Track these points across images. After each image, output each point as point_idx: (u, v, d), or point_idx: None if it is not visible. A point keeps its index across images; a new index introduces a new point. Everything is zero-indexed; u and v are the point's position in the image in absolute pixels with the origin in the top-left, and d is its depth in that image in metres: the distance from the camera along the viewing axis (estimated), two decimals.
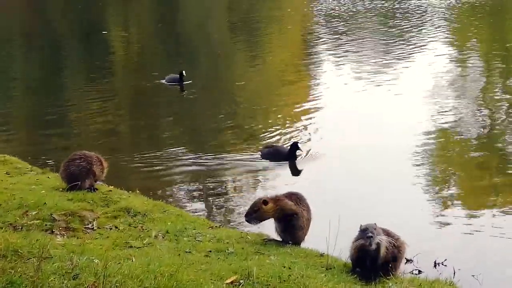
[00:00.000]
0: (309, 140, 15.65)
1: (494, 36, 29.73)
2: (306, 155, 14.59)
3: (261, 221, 8.41)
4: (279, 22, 37.94)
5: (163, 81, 22.40)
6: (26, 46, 32.07)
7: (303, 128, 16.61)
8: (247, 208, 9.86)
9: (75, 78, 24.78)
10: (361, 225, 7.21)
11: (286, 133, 16.25)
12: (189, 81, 22.11)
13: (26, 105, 21.18)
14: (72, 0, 46.68)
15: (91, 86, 22.60)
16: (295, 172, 13.97)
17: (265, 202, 8.27)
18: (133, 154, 14.86)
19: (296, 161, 14.27)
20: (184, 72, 21.96)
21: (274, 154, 14.40)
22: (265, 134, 16.33)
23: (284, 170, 13.95)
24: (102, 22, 39.45)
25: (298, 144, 14.42)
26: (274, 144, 15.15)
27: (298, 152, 14.38)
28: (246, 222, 8.55)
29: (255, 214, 8.30)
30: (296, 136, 15.90)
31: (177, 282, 5.91)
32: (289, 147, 14.48)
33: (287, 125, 17.04)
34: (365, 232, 7.05)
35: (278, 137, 16.06)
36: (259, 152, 14.65)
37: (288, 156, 14.30)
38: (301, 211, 8.36)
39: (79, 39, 34.55)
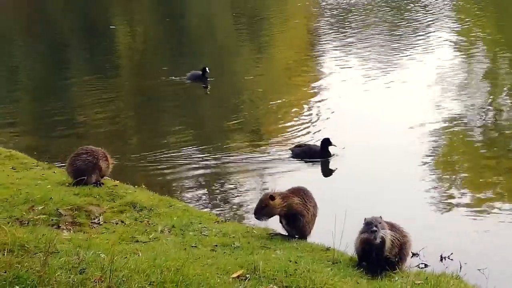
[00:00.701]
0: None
1: (500, 31, 29.61)
2: (343, 148, 14.06)
3: (270, 217, 8.39)
4: (285, 16, 37.81)
5: (184, 78, 21.62)
6: (29, 45, 32.00)
7: (316, 126, 16.47)
8: (253, 203, 9.89)
9: (80, 75, 24.66)
10: (365, 218, 7.20)
11: (296, 132, 16.10)
12: (212, 78, 21.39)
13: (32, 101, 21.22)
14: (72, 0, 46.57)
15: (97, 83, 22.48)
16: (328, 170, 13.61)
17: (272, 197, 8.27)
18: (149, 152, 14.70)
19: (329, 158, 13.90)
20: (207, 68, 21.14)
21: (307, 153, 13.95)
22: (281, 134, 16.07)
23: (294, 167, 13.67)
24: (104, 20, 39.39)
25: (330, 139, 13.93)
26: (306, 143, 14.56)
27: (331, 148, 13.95)
28: (256, 219, 8.51)
29: (264, 210, 8.29)
30: (307, 134, 15.71)
31: (183, 277, 5.91)
32: (320, 144, 14.01)
33: (299, 123, 16.91)
34: (369, 226, 7.05)
35: (287, 135, 15.90)
36: (290, 151, 14.21)
37: (321, 153, 13.88)
38: (307, 208, 8.36)
39: (81, 37, 34.45)
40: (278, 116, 17.69)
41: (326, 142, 13.93)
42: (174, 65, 24.11)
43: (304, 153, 14.02)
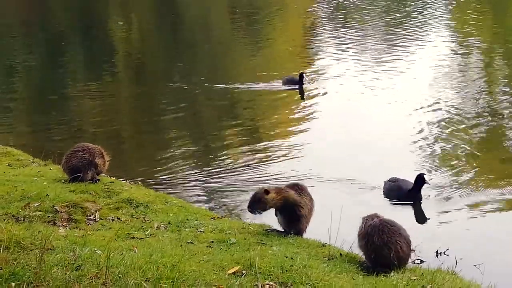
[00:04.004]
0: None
1: (495, 24, 29.61)
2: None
3: (264, 211, 8.39)
4: (288, 10, 37.63)
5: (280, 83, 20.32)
6: (29, 38, 31.92)
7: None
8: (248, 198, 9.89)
9: (80, 73, 24.58)
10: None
11: None
12: (310, 83, 20.24)
13: (28, 97, 21.18)
14: None
15: (97, 80, 22.32)
16: (421, 217, 11.18)
17: (266, 191, 8.26)
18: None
19: (421, 201, 11.51)
20: (304, 74, 20.07)
21: (395, 191, 11.64)
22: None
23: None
24: (110, 16, 39.26)
25: (425, 176, 11.55)
26: (399, 178, 11.86)
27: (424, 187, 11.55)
28: (249, 212, 8.51)
29: (258, 204, 8.29)
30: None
31: (180, 273, 5.91)
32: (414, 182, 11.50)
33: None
34: None
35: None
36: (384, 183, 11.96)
37: (412, 194, 11.46)
38: (303, 200, 8.36)
39: (85, 33, 34.28)
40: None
41: (420, 180, 11.47)
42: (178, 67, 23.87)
43: (392, 192, 11.68)
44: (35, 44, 30.41)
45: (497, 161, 13.33)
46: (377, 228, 7.13)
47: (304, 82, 20.03)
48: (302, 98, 19.33)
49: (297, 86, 19.98)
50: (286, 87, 20.08)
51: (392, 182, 11.74)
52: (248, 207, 8.40)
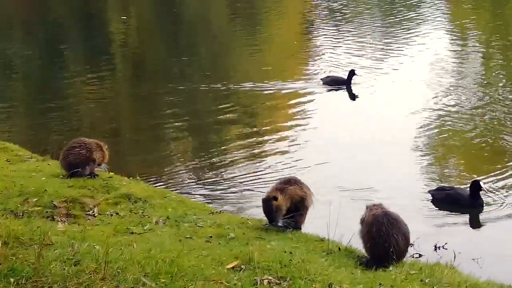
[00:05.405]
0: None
1: (495, 20, 29.56)
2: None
3: (284, 216, 8.30)
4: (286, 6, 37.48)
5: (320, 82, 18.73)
6: (27, 34, 31.82)
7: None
8: (249, 193, 9.90)
9: (80, 68, 24.40)
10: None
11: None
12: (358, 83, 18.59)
13: (27, 93, 21.13)
14: None
15: (98, 77, 22.20)
16: (476, 223, 10.88)
17: (275, 198, 8.20)
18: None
19: (481, 209, 11.07)
20: (355, 71, 18.19)
21: (453, 197, 11.21)
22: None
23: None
24: (111, 11, 39.14)
25: (481, 182, 11.18)
26: (452, 186, 11.66)
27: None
28: (273, 226, 8.26)
29: (276, 214, 8.21)
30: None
31: (178, 268, 5.91)
32: (469, 188, 11.20)
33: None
34: None
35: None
36: (430, 194, 11.57)
37: (470, 200, 11.10)
38: (305, 192, 8.35)
39: (86, 28, 34.10)
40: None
41: (476, 186, 11.11)
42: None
43: (449, 198, 11.24)
44: (35, 43, 30.26)
45: (496, 157, 13.33)
46: (378, 219, 7.15)
47: (352, 82, 18.14)
48: (353, 99, 17.98)
49: (344, 86, 18.21)
50: (329, 87, 18.32)
51: (446, 190, 11.39)
52: (271, 221, 8.25)
